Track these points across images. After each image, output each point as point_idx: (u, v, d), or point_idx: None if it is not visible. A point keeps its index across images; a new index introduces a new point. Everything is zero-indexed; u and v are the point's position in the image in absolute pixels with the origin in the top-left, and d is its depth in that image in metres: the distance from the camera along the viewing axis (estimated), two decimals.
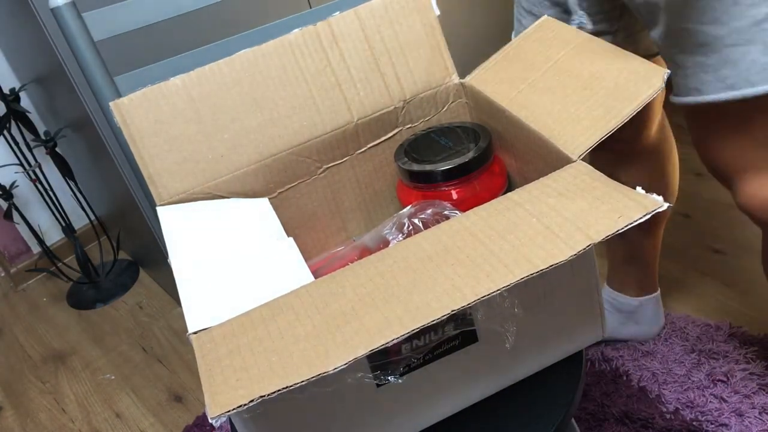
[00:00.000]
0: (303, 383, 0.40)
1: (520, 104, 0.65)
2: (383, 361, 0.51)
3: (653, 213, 0.46)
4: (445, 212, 0.64)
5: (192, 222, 0.64)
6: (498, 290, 0.43)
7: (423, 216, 0.65)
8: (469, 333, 0.54)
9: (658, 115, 0.96)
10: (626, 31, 0.82)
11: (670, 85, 0.65)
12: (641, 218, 0.45)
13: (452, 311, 0.42)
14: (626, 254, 1.11)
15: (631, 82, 0.57)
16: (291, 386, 0.39)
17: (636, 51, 0.61)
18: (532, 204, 0.51)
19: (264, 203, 0.69)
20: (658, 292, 1.16)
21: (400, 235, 0.65)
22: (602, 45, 0.63)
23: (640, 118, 0.92)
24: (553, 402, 0.60)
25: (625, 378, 1.15)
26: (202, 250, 0.59)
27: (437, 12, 0.74)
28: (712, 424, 1.04)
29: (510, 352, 0.57)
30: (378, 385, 0.53)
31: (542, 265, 0.44)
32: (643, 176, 0.99)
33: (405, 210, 0.67)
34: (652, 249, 1.10)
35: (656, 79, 0.56)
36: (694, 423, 1.05)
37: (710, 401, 1.07)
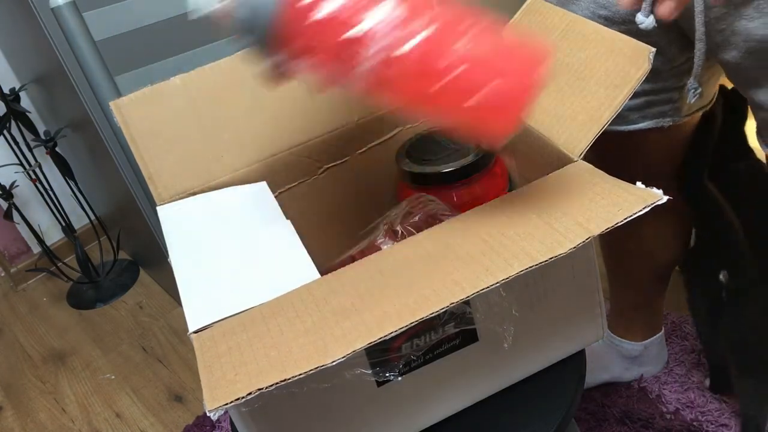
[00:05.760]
0: (301, 376, 0.40)
1: None
2: (383, 358, 0.51)
3: (652, 206, 0.46)
4: (435, 211, 0.64)
5: (191, 219, 0.64)
6: (497, 283, 0.43)
7: (414, 220, 0.64)
8: (470, 332, 0.54)
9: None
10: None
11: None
12: (641, 211, 0.45)
13: (451, 304, 0.42)
14: (635, 301, 1.07)
15: (619, 66, 0.58)
16: (289, 379, 0.39)
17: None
18: (532, 201, 0.51)
19: (262, 187, 0.69)
20: (662, 331, 1.12)
21: (393, 242, 0.64)
22: (589, 26, 0.63)
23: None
24: (553, 402, 0.60)
25: None
26: (202, 248, 0.59)
27: None
28: (712, 424, 1.04)
29: (510, 352, 0.57)
30: (378, 384, 0.53)
31: (541, 259, 0.44)
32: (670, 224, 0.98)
33: (393, 213, 0.66)
34: (663, 293, 1.07)
35: (642, 60, 0.56)
36: (695, 423, 1.05)
37: (710, 401, 1.07)
